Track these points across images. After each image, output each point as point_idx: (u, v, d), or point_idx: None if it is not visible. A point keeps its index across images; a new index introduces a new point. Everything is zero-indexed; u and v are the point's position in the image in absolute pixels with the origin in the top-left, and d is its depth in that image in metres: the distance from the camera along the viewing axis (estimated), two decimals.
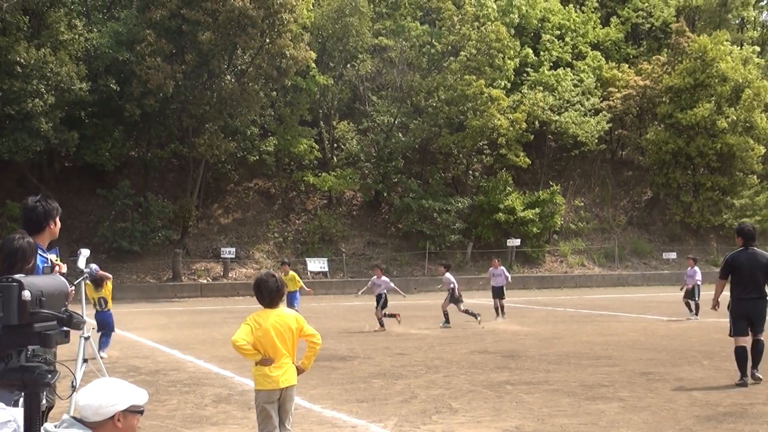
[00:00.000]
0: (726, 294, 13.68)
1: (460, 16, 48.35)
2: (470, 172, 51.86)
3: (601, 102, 54.55)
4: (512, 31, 51.73)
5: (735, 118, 52.40)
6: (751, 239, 13.47)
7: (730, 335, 13.47)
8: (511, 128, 47.70)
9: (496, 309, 26.05)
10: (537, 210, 48.86)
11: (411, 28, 50.21)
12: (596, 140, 52.86)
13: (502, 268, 26.69)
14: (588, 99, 53.50)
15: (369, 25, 48.96)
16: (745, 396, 12.11)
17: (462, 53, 47.71)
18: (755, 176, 55.07)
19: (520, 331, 22.24)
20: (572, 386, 13.10)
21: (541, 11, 56.66)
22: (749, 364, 13.23)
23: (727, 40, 55.74)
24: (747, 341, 13.16)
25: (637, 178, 57.79)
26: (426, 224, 46.80)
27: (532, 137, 50.24)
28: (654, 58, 57.79)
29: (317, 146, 47.17)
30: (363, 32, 48.31)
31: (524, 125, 48.42)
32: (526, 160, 49.83)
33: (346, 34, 47.77)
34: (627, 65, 58.35)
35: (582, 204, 54.45)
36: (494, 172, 50.83)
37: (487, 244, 48.52)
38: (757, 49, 59.74)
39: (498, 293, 26.13)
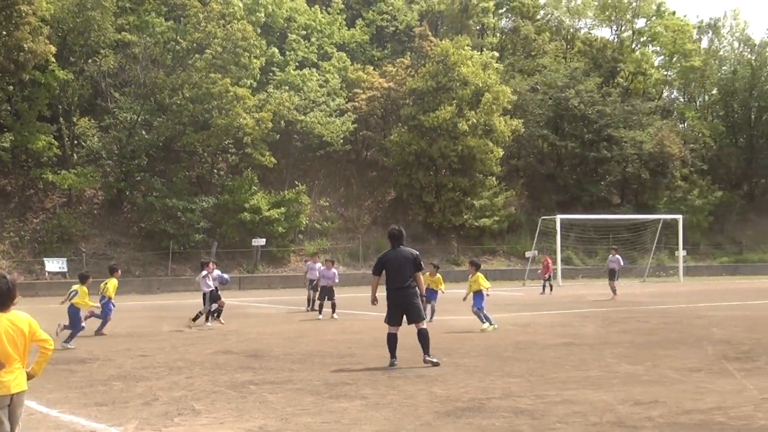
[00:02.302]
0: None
1: (205, 13, 49.08)
2: (215, 171, 52.57)
3: (347, 103, 56.55)
4: (258, 30, 52.90)
5: (475, 121, 55.38)
6: (396, 240, 15.70)
7: (385, 321, 15.64)
8: (257, 127, 48.79)
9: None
10: (282, 209, 50.21)
11: (155, 24, 50.49)
12: (341, 140, 54.85)
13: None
14: (333, 99, 55.30)
15: (112, 20, 48.75)
16: (482, 391, 12.62)
17: (207, 51, 48.50)
18: (494, 178, 58.37)
19: (264, 330, 22.51)
20: (316, 385, 13.40)
21: (287, 11, 58.09)
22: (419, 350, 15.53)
23: (468, 45, 58.82)
24: (397, 329, 15.45)
25: (381, 179, 59.95)
26: (170, 223, 47.15)
27: (277, 137, 51.66)
28: (398, 60, 60.22)
29: (56, 143, 46.55)
30: (105, 27, 48.08)
31: (270, 124, 49.69)
32: (272, 159, 51.09)
33: (87, 28, 47.45)
34: (372, 67, 60.60)
35: (327, 204, 56.09)
36: (239, 171, 51.79)
37: (233, 243, 49.38)
38: (496, 54, 63.27)
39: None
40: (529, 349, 17.92)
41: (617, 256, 38.00)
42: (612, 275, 36.73)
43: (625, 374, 14.26)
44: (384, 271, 15.62)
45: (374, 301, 16.08)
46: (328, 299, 26.79)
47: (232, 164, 52.86)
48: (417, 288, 15.50)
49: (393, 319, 15.46)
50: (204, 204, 48.98)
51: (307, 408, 11.46)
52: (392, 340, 15.42)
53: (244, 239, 49.31)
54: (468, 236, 57.93)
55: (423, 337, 15.42)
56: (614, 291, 35.84)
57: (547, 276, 41.31)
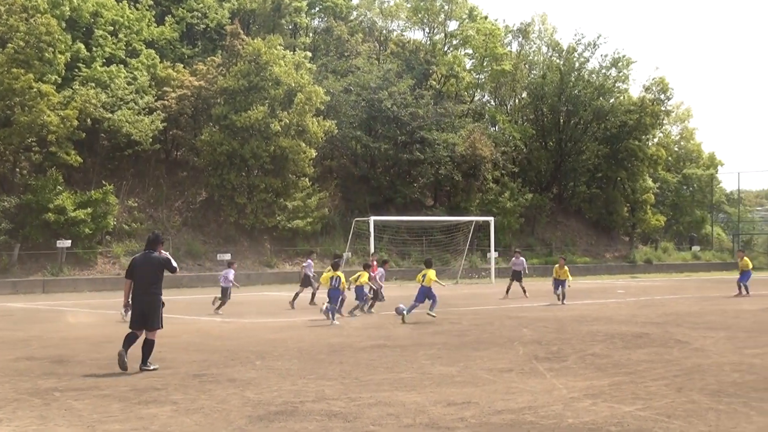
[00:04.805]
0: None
1: (7, 6, 48.39)
2: (18, 169, 51.66)
3: (156, 101, 56.52)
4: (63, 25, 52.30)
5: (288, 121, 56.35)
6: (148, 245, 16.42)
7: (129, 327, 16.09)
8: (62, 125, 48.42)
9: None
10: (89, 210, 49.82)
11: None
12: (151, 140, 54.72)
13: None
14: (142, 97, 55.16)
15: None
16: (295, 395, 13.15)
17: (9, 45, 47.94)
18: (307, 179, 59.33)
19: (69, 335, 22.61)
20: (123, 391, 13.57)
21: (93, 5, 57.56)
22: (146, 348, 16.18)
23: (280, 45, 59.74)
24: (140, 333, 15.99)
25: (192, 179, 60.21)
26: None
27: (84, 135, 51.32)
28: (209, 59, 60.55)
29: None
30: None
31: (76, 122, 49.39)
32: (78, 158, 50.81)
33: None
34: (182, 65, 60.78)
35: (136, 204, 55.82)
36: (44, 171, 51.12)
37: (36, 245, 48.80)
38: (309, 54, 64.37)
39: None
40: (343, 352, 18.65)
41: (521, 258, 40.97)
42: (518, 277, 39.63)
43: (438, 375, 15.07)
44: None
45: (127, 306, 16.77)
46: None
47: (35, 163, 51.86)
48: (160, 295, 16.09)
49: (135, 326, 16.03)
50: (6, 204, 48.41)
51: (114, 415, 11.64)
52: (130, 337, 15.91)
53: (48, 241, 48.78)
54: (281, 238, 58.67)
55: (148, 347, 15.99)
56: (524, 291, 38.63)
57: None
